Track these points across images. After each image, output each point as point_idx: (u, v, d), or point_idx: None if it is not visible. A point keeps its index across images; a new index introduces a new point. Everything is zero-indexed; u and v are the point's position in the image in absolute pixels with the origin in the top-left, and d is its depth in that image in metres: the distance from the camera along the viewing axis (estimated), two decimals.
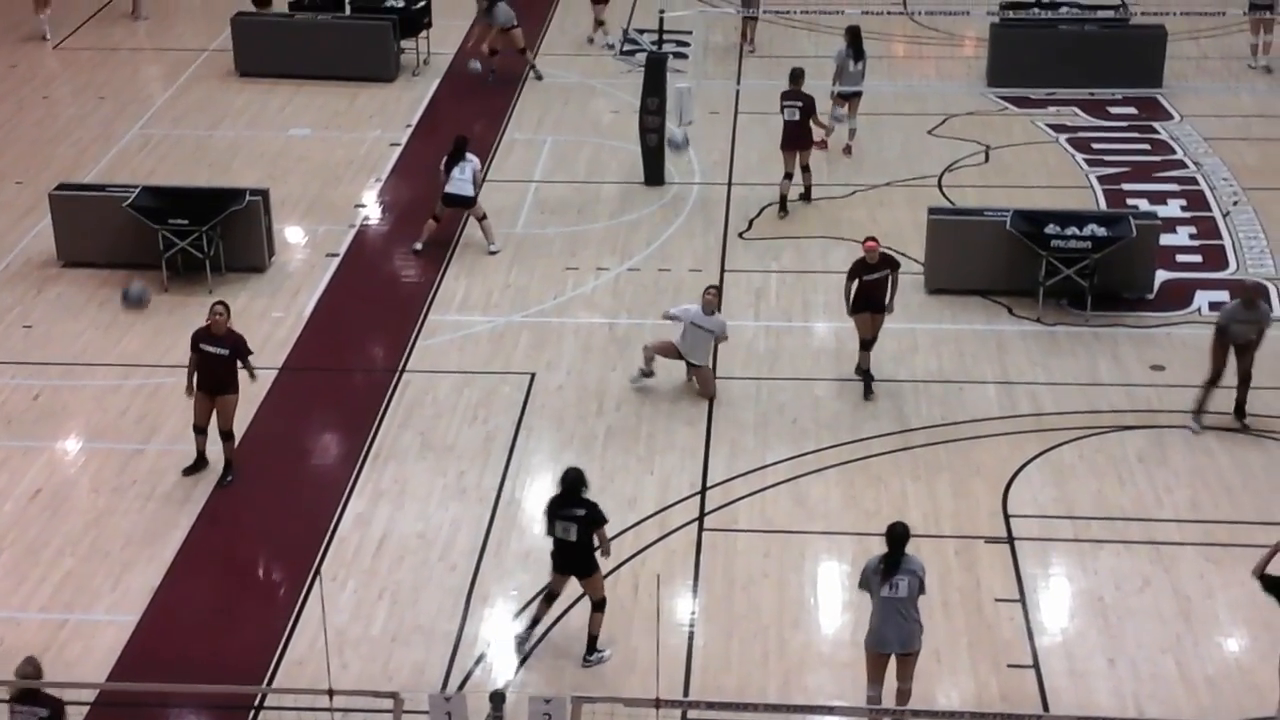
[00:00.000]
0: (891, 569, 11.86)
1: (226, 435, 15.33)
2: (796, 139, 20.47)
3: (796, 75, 20.54)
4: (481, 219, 19.78)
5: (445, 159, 19.57)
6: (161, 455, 15.80)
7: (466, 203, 19.61)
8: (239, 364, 15.12)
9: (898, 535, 11.91)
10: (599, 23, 27.06)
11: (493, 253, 19.60)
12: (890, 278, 16.49)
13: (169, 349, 17.63)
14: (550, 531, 12.84)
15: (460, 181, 19.44)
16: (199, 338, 15.11)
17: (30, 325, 18.28)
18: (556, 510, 12.79)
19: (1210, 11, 25.75)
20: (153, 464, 15.68)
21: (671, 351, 16.63)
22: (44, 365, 17.48)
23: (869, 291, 16.50)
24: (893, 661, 12.10)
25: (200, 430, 15.36)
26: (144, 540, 14.57)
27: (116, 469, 15.63)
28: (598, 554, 12.90)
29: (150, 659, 13.10)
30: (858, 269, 16.47)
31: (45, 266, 19.55)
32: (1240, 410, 16.06)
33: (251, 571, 14.37)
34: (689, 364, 16.61)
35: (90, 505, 15.11)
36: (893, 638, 11.96)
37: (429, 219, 19.78)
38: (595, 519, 12.75)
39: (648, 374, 16.70)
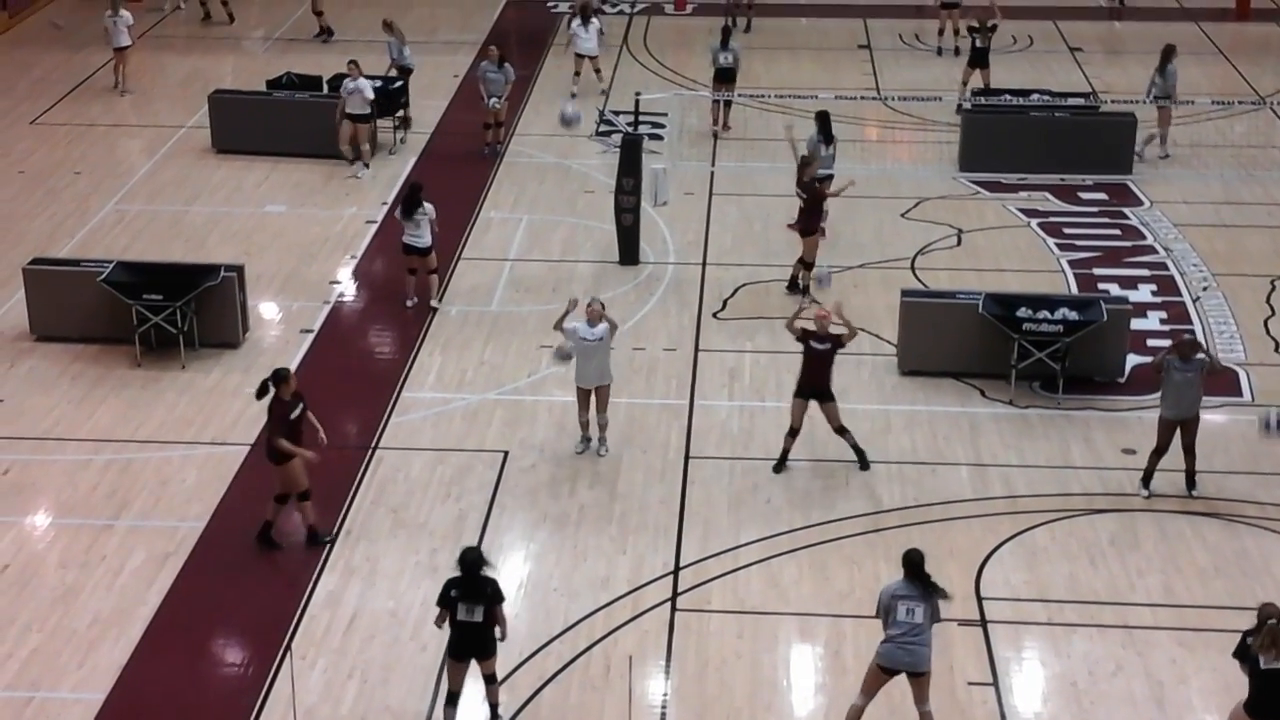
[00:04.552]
0: (911, 595, 12.32)
1: (302, 496, 15.39)
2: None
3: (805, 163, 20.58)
4: (431, 272, 20.10)
5: (401, 207, 19.89)
6: (131, 532, 15.69)
7: (423, 252, 19.91)
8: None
9: (913, 562, 12.42)
10: (596, 71, 28.11)
11: (434, 309, 20.08)
12: (834, 348, 16.44)
13: (140, 424, 17.57)
14: (448, 618, 12.58)
15: (415, 234, 19.78)
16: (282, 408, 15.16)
17: (1, 399, 18.19)
18: (459, 592, 12.57)
19: (1179, 100, 26.03)
20: (122, 540, 15.57)
21: (583, 400, 16.79)
22: (14, 440, 17.37)
23: (812, 367, 16.44)
24: (905, 683, 12.52)
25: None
26: (112, 618, 14.44)
27: (85, 545, 15.51)
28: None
29: None
30: (808, 334, 16.44)
31: (18, 340, 19.49)
32: (1190, 481, 16.27)
33: (220, 650, 14.23)
34: (597, 390, 16.71)
35: (58, 582, 14.98)
36: (903, 658, 12.39)
37: (406, 273, 20.21)
38: (498, 597, 12.64)
39: None
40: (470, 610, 12.52)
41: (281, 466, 15.14)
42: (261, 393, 15.20)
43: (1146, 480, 16.30)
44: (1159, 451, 16.19)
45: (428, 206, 19.82)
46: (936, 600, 12.41)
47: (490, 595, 12.58)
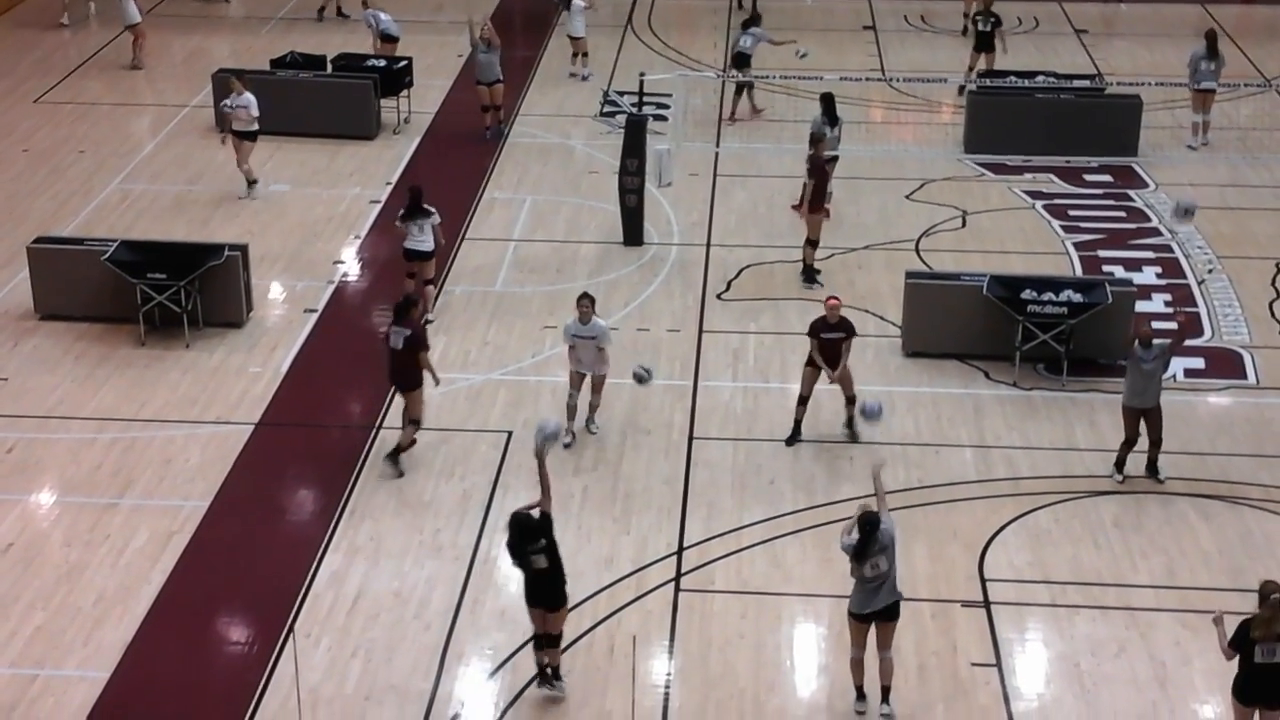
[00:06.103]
0: (865, 553, 12.58)
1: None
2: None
3: (815, 139, 20.47)
4: (428, 283, 19.43)
5: (402, 211, 19.36)
6: (135, 510, 15.71)
7: (426, 256, 19.33)
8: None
9: (868, 524, 12.62)
10: (583, 55, 28.17)
11: (428, 322, 18.98)
12: (845, 343, 16.62)
13: (144, 403, 17.58)
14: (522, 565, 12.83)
15: (419, 238, 19.18)
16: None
17: (6, 378, 18.21)
18: (522, 545, 12.73)
19: (1185, 83, 25.97)
20: (126, 519, 15.59)
21: (575, 381, 16.86)
22: (18, 418, 17.39)
23: (824, 352, 16.63)
24: (873, 629, 12.79)
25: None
26: (116, 596, 14.46)
27: (90, 524, 15.53)
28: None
29: (122, 716, 13.01)
30: (817, 326, 16.64)
31: (22, 319, 19.49)
32: (1152, 468, 16.25)
33: (224, 628, 14.26)
34: (592, 376, 16.84)
35: (63, 560, 15.00)
36: (879, 602, 12.71)
37: (406, 278, 19.57)
38: (547, 533, 12.79)
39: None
40: (529, 562, 12.73)
41: (413, 393, 16.18)
42: (403, 310, 16.18)
43: (1120, 466, 16.28)
44: (1129, 442, 16.15)
45: (431, 211, 19.16)
46: (889, 543, 12.63)
47: (546, 546, 12.68)
